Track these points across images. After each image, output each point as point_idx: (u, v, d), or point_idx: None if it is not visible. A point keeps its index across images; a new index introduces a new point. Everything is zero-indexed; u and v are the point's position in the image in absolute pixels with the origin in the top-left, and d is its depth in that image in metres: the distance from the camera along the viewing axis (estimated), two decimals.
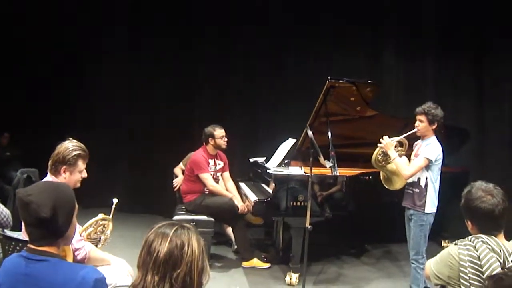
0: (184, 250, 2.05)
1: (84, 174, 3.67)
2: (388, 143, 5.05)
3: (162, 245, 2.05)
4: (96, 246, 3.77)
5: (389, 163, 5.22)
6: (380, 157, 5.23)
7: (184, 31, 8.83)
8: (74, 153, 3.56)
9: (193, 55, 8.94)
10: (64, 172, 3.54)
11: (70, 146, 3.59)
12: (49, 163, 3.58)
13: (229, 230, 6.83)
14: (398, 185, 5.32)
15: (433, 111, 4.95)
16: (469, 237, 2.89)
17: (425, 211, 4.98)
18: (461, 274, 2.78)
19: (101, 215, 3.83)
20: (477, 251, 2.77)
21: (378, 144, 5.14)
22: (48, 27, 8.80)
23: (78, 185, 3.64)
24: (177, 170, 7.28)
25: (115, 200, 4.00)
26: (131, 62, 9.03)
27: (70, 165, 3.54)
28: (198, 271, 2.08)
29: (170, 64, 8.92)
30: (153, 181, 8.70)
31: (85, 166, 3.66)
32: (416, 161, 5.04)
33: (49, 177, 3.58)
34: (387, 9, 8.65)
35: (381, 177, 5.48)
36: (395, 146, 5.11)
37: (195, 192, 6.52)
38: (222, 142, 6.55)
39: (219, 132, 6.52)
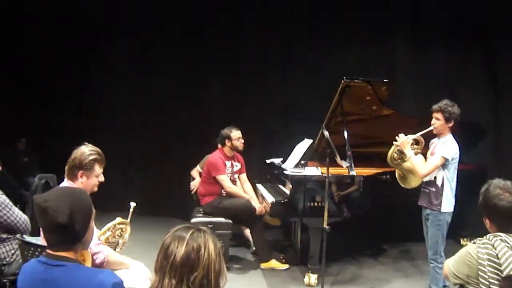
0: (200, 253, 2.06)
1: (101, 178, 3.67)
2: (404, 141, 5.01)
3: (179, 249, 2.05)
4: (115, 250, 3.79)
5: (405, 161, 5.19)
6: (396, 155, 5.21)
7: (187, 31, 8.86)
8: (91, 157, 3.57)
9: (204, 56, 8.99)
10: (81, 176, 3.56)
11: (86, 150, 3.59)
12: (66, 168, 3.60)
13: (247, 231, 6.84)
14: (414, 183, 5.30)
15: (449, 109, 4.89)
16: (488, 235, 2.87)
17: (442, 210, 4.92)
18: (480, 273, 2.76)
19: (118, 219, 3.84)
20: (495, 250, 2.75)
21: (394, 142, 5.10)
22: (61, 31, 8.92)
23: (96, 189, 3.66)
24: (194, 172, 7.30)
25: (132, 204, 4.01)
26: (143, 64, 9.08)
27: (86, 170, 3.55)
28: (215, 274, 2.08)
29: (178, 67, 8.99)
30: (171, 184, 8.73)
31: (102, 170, 3.67)
32: (432, 159, 4.97)
33: (66, 182, 3.60)
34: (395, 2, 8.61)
35: (396, 176, 5.46)
36: (411, 144, 5.07)
37: (213, 194, 6.51)
38: (239, 144, 6.55)
39: (236, 133, 6.53)
